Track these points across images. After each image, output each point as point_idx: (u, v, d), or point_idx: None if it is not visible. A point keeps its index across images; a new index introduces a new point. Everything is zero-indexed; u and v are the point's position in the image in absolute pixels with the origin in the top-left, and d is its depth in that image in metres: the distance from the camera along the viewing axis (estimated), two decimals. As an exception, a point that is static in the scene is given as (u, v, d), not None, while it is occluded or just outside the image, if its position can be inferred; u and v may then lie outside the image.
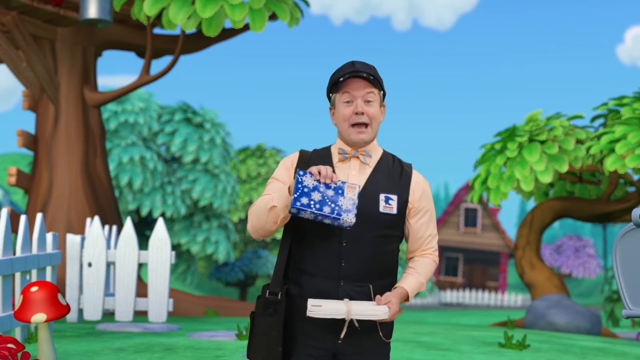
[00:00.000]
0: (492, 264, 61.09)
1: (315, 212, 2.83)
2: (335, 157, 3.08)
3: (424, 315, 37.90)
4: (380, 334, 3.04)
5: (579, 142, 14.61)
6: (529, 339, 9.32)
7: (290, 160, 3.11)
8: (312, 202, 2.84)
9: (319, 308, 2.83)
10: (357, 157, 3.05)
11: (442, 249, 61.12)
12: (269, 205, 2.93)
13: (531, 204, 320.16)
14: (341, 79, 3.00)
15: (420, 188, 3.09)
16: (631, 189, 16.54)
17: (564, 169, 13.94)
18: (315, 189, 2.86)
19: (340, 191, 2.87)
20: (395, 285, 3.03)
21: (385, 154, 3.11)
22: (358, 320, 3.01)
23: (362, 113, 2.99)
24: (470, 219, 60.50)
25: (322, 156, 3.09)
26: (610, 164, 12.91)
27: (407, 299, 3.02)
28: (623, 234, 3.46)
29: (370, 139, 3.03)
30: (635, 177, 14.76)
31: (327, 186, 2.87)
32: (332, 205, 2.85)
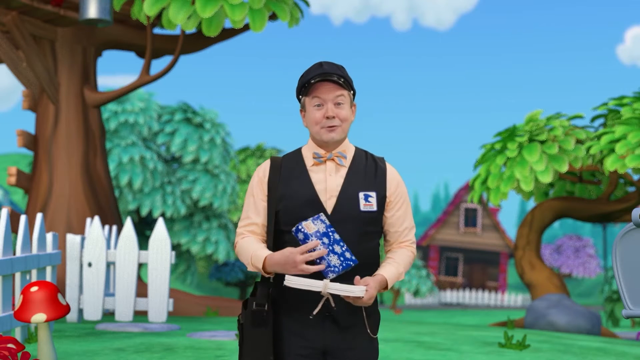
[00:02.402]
0: (492, 264, 61.06)
1: (343, 267, 2.93)
2: (309, 161, 3.07)
3: (424, 315, 37.88)
4: (368, 329, 3.05)
5: (579, 142, 14.61)
6: (529, 339, 9.32)
7: (262, 171, 3.10)
8: (334, 266, 2.93)
9: (296, 279, 2.85)
10: (332, 160, 3.05)
11: (442, 249, 61.09)
12: (251, 264, 3.02)
13: (531, 204, 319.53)
14: (312, 81, 2.99)
15: (395, 182, 3.10)
16: (631, 189, 16.54)
17: (564, 169, 13.94)
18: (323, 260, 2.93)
19: (327, 241, 2.91)
20: (375, 273, 3.04)
21: (358, 151, 3.12)
22: (344, 315, 3.01)
23: (334, 117, 2.99)
24: (470, 219, 60.47)
25: (295, 161, 3.08)
26: (610, 164, 12.91)
27: (385, 287, 3.02)
28: (623, 234, 3.46)
29: (341, 138, 3.03)
30: (635, 177, 14.76)
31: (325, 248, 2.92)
32: (341, 259, 2.93)
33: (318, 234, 2.88)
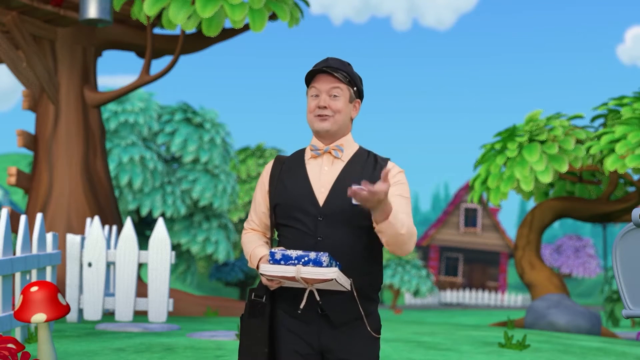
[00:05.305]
0: (492, 264, 61.05)
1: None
2: (308, 155, 3.11)
3: (424, 315, 37.89)
4: (368, 328, 3.04)
5: (579, 142, 14.61)
6: (529, 339, 9.32)
7: (265, 169, 3.18)
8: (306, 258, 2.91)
9: (270, 267, 2.87)
10: (329, 152, 3.07)
11: (442, 249, 61.08)
12: (250, 262, 3.08)
13: (531, 204, 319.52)
14: (313, 72, 3.07)
15: (395, 170, 3.08)
16: (631, 189, 16.54)
17: (564, 169, 13.94)
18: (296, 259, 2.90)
19: (308, 261, 2.89)
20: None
21: (360, 150, 3.13)
22: (337, 313, 3.00)
23: (325, 107, 3.02)
24: (470, 219, 60.47)
25: (296, 157, 3.14)
26: (610, 164, 12.91)
27: (386, 216, 2.86)
28: (623, 234, 3.46)
29: (333, 129, 3.04)
30: (635, 177, 14.76)
31: (298, 259, 2.90)
32: (314, 256, 2.89)
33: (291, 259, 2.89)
